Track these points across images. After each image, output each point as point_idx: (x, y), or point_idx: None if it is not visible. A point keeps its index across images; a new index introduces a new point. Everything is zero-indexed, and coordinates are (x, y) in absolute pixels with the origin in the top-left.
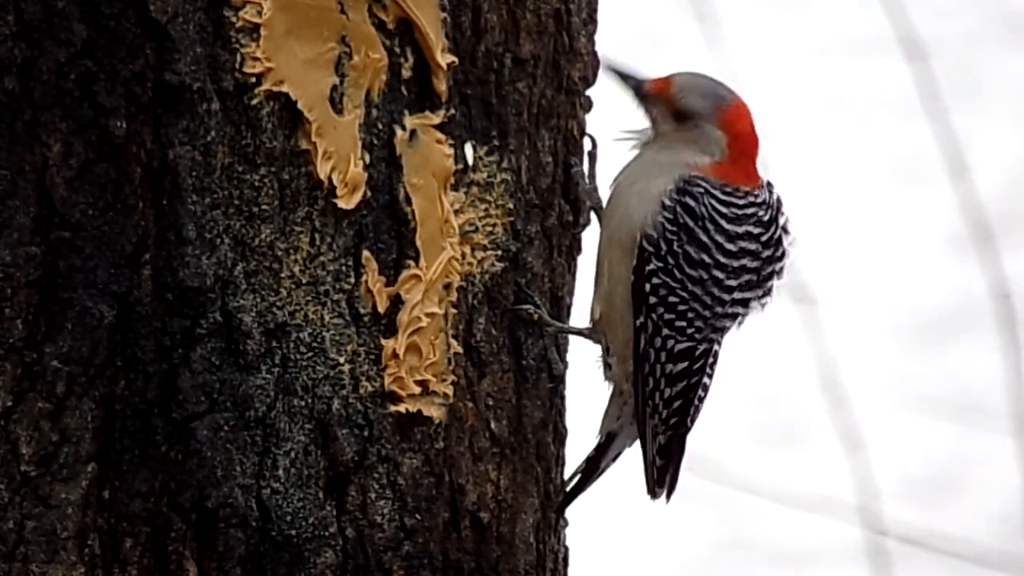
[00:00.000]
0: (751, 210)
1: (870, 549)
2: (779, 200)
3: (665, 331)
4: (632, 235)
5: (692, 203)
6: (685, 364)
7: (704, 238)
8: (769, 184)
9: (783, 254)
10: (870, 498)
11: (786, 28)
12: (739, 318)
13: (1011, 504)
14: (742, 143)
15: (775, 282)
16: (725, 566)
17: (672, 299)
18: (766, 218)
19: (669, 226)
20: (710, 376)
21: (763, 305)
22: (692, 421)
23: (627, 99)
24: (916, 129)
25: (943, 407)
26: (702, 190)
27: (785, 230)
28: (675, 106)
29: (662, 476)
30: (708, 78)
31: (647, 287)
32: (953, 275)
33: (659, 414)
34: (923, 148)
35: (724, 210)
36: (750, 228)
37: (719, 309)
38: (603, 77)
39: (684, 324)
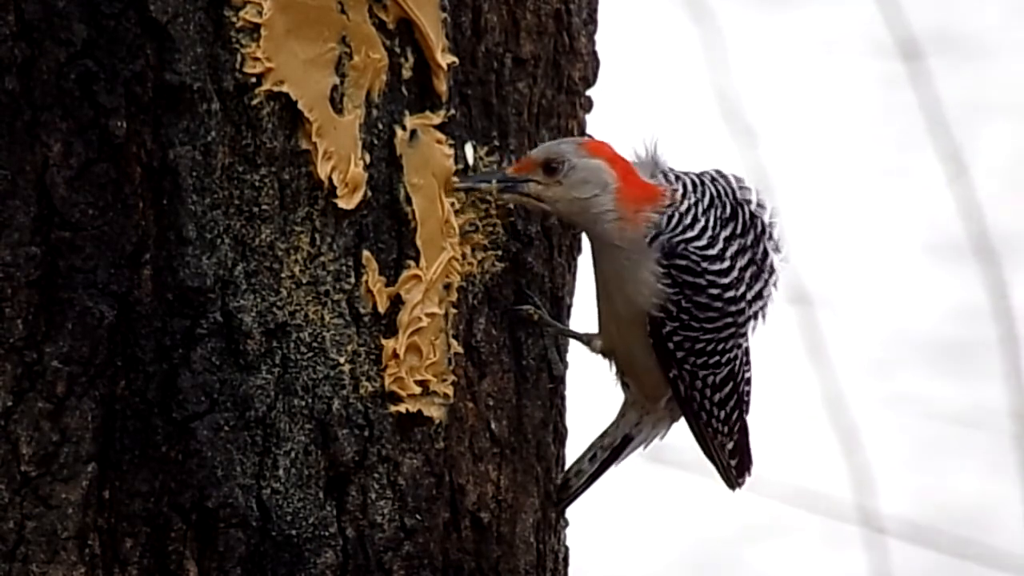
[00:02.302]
0: (712, 218)
1: (868, 547)
2: (736, 180)
3: (702, 373)
4: (640, 311)
5: (683, 262)
6: (730, 385)
7: (704, 280)
8: (707, 177)
9: (764, 227)
10: (867, 497)
11: (782, 29)
12: (761, 312)
13: (1011, 502)
14: (619, 163)
15: (774, 257)
16: (724, 563)
17: (698, 345)
18: (727, 213)
19: (671, 291)
20: (749, 369)
21: (775, 286)
22: (747, 412)
23: (495, 197)
24: (916, 130)
25: (942, 407)
26: (680, 241)
27: (760, 205)
28: (542, 163)
29: (739, 471)
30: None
31: (670, 346)
32: (952, 277)
33: (721, 432)
34: (922, 150)
35: (704, 242)
36: (724, 233)
37: (741, 319)
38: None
39: (717, 358)
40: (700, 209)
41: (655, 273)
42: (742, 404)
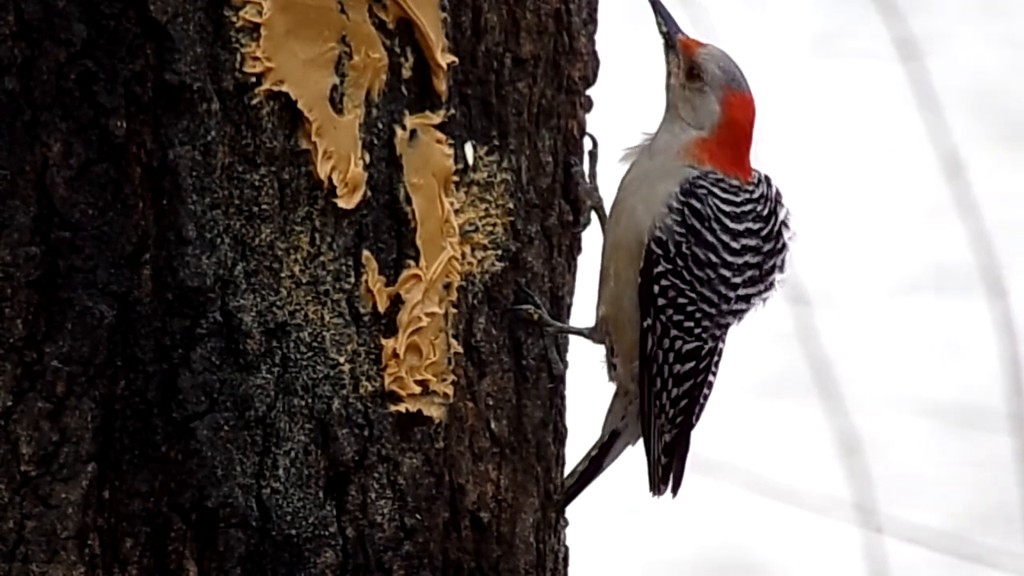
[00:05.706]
0: (749, 206)
1: (866, 547)
2: (778, 193)
3: (673, 332)
4: (640, 239)
5: (698, 204)
6: (692, 364)
7: (711, 238)
8: (767, 178)
9: (783, 247)
10: (866, 497)
11: (777, 29)
12: (741, 314)
13: (1009, 500)
14: (732, 130)
15: (777, 276)
16: (722, 563)
17: (681, 300)
18: (765, 212)
19: (677, 228)
20: (714, 374)
21: (764, 300)
22: (697, 418)
23: (656, 41)
24: (910, 130)
25: (940, 407)
26: (705, 191)
27: (785, 224)
28: (692, 61)
29: (666, 473)
30: (737, 64)
31: (656, 289)
32: (952, 277)
33: (665, 413)
34: (913, 148)
35: (727, 208)
36: (750, 224)
37: (725, 307)
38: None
39: (692, 324)
40: (749, 195)
41: (668, 203)
42: (695, 400)
